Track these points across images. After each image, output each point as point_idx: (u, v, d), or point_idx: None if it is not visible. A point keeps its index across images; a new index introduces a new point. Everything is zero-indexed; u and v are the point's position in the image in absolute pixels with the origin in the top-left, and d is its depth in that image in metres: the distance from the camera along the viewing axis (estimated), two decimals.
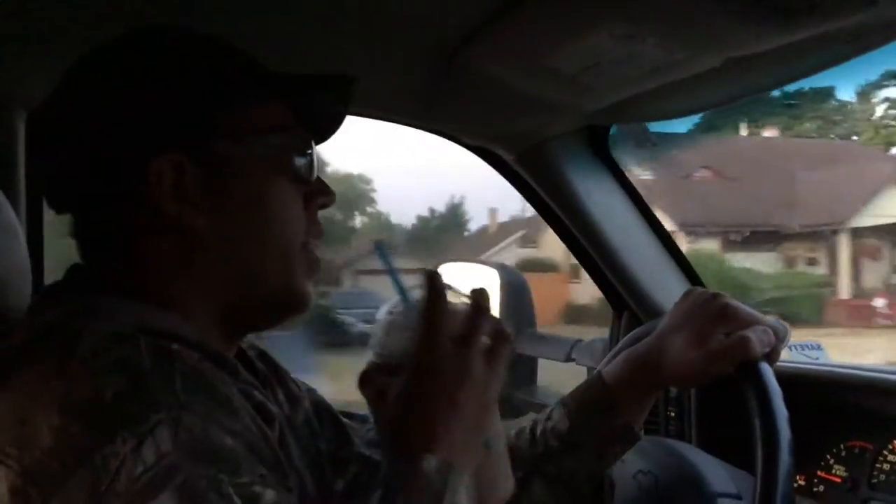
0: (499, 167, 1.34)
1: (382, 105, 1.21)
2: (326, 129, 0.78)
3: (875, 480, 1.07)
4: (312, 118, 0.75)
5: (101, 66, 0.68)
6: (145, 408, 0.53)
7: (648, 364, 0.88)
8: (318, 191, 0.74)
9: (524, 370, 1.69)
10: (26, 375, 0.57)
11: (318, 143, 0.76)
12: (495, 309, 1.61)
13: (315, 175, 0.73)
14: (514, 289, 1.68)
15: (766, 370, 0.81)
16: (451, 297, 0.68)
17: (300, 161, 0.71)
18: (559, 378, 1.72)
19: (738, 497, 0.92)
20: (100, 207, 0.68)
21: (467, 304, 0.68)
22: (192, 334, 0.63)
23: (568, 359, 1.57)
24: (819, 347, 1.43)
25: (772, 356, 0.84)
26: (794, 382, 0.81)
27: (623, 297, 1.39)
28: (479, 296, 0.68)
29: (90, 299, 0.64)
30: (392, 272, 0.72)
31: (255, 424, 0.60)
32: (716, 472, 0.96)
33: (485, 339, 0.67)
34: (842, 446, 1.13)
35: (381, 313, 0.74)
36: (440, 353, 0.65)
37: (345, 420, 0.89)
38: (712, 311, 0.86)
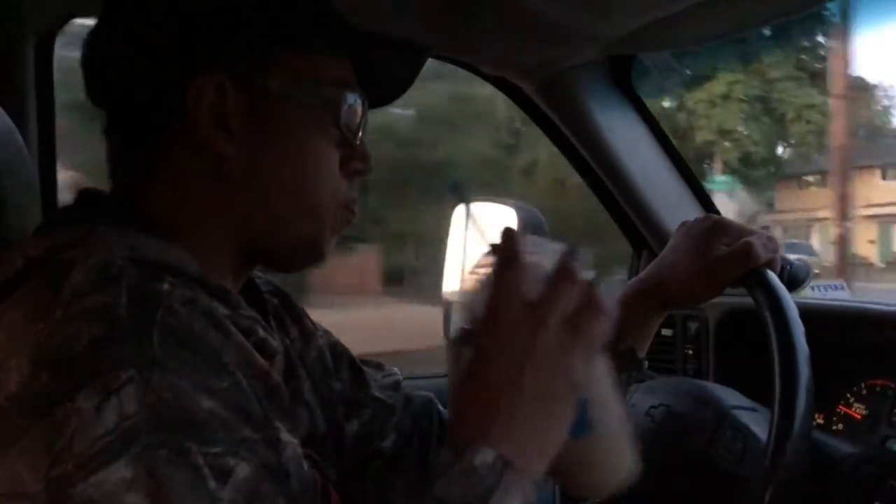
0: (517, 99, 1.31)
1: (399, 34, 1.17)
2: (385, 96, 0.75)
3: (895, 419, 1.06)
4: (375, 82, 0.71)
5: None
6: (115, 363, 0.49)
7: (651, 285, 0.90)
8: (357, 155, 0.70)
9: None
10: (13, 315, 0.54)
11: (373, 107, 0.72)
12: None
13: (359, 140, 0.70)
14: (532, 227, 1.66)
15: (772, 274, 0.81)
16: (539, 257, 0.57)
17: (348, 119, 0.68)
18: None
19: (752, 409, 0.91)
20: (134, 111, 0.65)
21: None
22: (192, 267, 0.60)
23: None
24: (843, 288, 1.41)
25: (772, 264, 0.84)
26: (816, 319, 0.80)
27: (642, 234, 1.37)
28: (567, 255, 0.58)
29: (88, 227, 0.60)
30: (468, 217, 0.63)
31: (249, 376, 0.55)
32: (728, 392, 0.97)
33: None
34: (862, 385, 1.12)
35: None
36: (508, 322, 0.55)
37: (361, 365, 0.89)
38: (707, 226, 0.88)
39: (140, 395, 0.48)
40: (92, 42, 0.67)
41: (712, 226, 0.88)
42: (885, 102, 20.60)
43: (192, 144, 0.63)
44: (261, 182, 0.65)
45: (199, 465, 0.47)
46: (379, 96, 0.74)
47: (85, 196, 0.67)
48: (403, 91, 0.77)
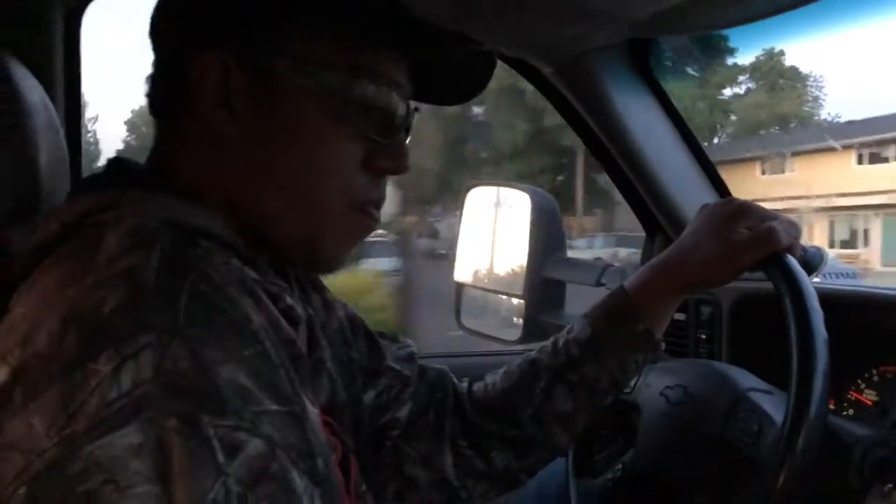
0: (535, 80, 1.31)
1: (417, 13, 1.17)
2: (459, 94, 0.74)
3: None
4: (435, 78, 0.70)
5: None
6: (136, 327, 0.49)
7: (670, 268, 0.89)
8: (386, 153, 0.68)
9: (553, 294, 1.69)
10: (47, 279, 0.54)
11: (446, 103, 0.72)
12: (526, 233, 1.62)
13: (395, 136, 0.68)
14: (545, 212, 1.67)
15: (792, 260, 0.81)
16: None
17: (366, 110, 0.65)
18: None
19: (768, 392, 0.92)
20: (155, 84, 0.67)
21: None
22: (223, 232, 0.60)
23: (598, 283, 1.57)
24: (853, 276, 1.41)
25: (793, 250, 0.84)
26: (828, 304, 0.80)
27: (657, 218, 1.38)
28: None
29: (118, 190, 0.61)
30: None
31: (277, 344, 0.55)
32: (744, 374, 0.97)
33: None
34: (874, 371, 1.12)
35: None
36: None
37: (377, 336, 0.90)
38: (729, 210, 0.87)
39: (156, 361, 0.48)
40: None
41: (735, 209, 0.87)
42: (815, 93, 20.57)
43: (193, 117, 0.64)
44: (259, 166, 0.65)
45: (209, 437, 0.47)
46: (451, 95, 0.74)
47: (114, 164, 0.68)
48: (477, 89, 0.74)
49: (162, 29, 0.66)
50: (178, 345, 0.49)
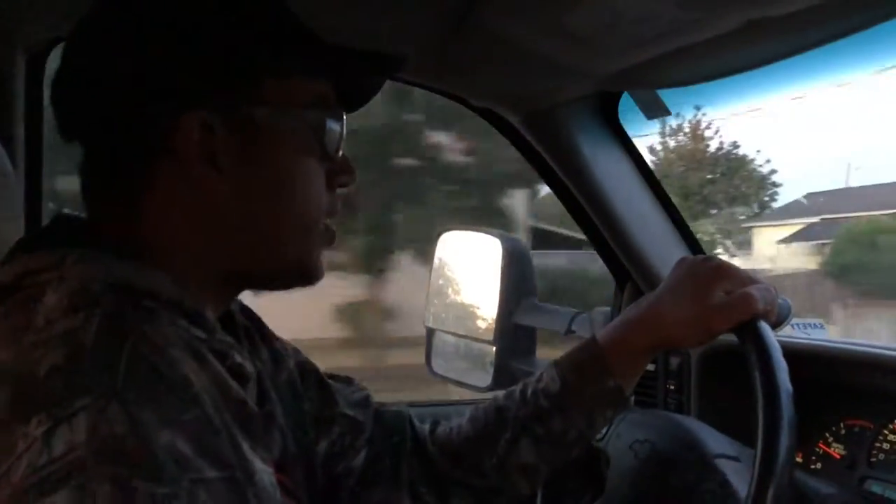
0: (504, 130, 1.32)
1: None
2: (358, 103, 0.76)
3: (874, 459, 1.06)
4: (350, 93, 0.73)
5: (135, 9, 0.64)
6: (72, 390, 0.47)
7: (645, 324, 0.86)
8: (342, 169, 0.72)
9: (524, 340, 1.68)
10: None
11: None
12: (497, 278, 1.62)
13: (341, 152, 0.71)
14: (517, 258, 1.66)
15: (766, 327, 0.80)
16: None
17: (331, 137, 0.69)
18: None
19: (736, 459, 0.91)
20: (118, 148, 0.64)
21: None
22: (171, 291, 0.60)
23: (568, 331, 1.56)
24: (822, 327, 1.42)
25: (769, 316, 0.82)
26: (796, 358, 0.80)
27: (626, 268, 1.38)
28: None
29: (62, 251, 0.59)
30: None
31: (222, 407, 0.54)
32: (713, 436, 0.96)
33: None
34: (841, 425, 1.12)
35: None
36: None
37: (329, 381, 0.89)
38: (709, 270, 0.85)
39: (91, 424, 0.46)
40: (66, 79, 0.66)
41: (715, 270, 0.84)
42: None
43: (181, 180, 0.63)
44: (251, 213, 0.66)
45: None
46: (350, 105, 0.75)
47: (60, 221, 0.67)
48: (370, 99, 0.78)
49: (125, 100, 0.63)
50: (115, 408, 0.48)
